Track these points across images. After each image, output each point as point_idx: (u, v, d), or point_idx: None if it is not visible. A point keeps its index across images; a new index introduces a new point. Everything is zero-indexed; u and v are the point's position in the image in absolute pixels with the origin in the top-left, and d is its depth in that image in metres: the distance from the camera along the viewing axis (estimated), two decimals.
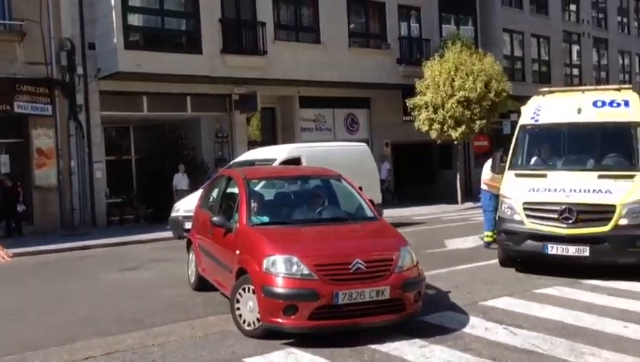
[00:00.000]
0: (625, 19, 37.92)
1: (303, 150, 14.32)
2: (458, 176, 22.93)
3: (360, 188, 7.82)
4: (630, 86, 10.88)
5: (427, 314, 6.44)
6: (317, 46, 21.42)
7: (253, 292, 5.79)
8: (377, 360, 5.23)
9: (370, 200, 7.66)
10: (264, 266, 5.69)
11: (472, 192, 25.00)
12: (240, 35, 19.75)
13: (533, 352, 5.38)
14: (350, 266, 5.63)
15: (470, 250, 11.69)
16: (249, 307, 5.85)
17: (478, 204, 20.48)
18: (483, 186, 11.77)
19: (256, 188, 7.34)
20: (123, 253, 13.57)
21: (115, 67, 17.11)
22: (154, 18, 18.36)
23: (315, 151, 14.35)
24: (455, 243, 12.62)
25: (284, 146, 15.54)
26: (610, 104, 9.72)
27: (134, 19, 17.94)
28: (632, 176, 8.73)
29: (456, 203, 22.15)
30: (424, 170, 25.70)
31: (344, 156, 14.34)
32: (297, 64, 20.40)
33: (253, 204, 6.76)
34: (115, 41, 16.91)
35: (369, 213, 7.06)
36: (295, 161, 13.36)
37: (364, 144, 16.88)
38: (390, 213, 17.35)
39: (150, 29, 18.52)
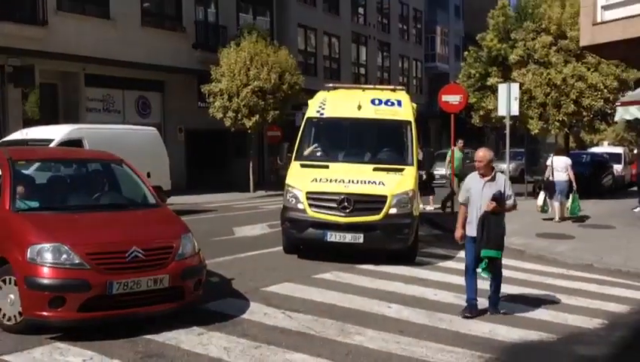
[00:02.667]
0: (405, 27, 41.59)
1: (86, 132, 13.33)
2: (251, 165, 23.25)
3: (148, 173, 7.53)
4: (403, 88, 11.88)
5: (208, 301, 6.41)
6: (106, 21, 20.10)
7: (15, 284, 5.26)
8: (152, 349, 5.08)
9: (159, 187, 7.41)
10: (28, 255, 5.19)
11: (265, 181, 25.56)
12: (16, 1, 17.80)
13: (306, 334, 5.64)
14: (126, 254, 5.37)
15: (257, 238, 11.91)
16: (9, 300, 5.31)
17: (271, 193, 21.24)
18: None
19: (25, 171, 6.66)
20: None
21: None
22: None
23: (99, 134, 13.46)
24: (243, 231, 12.75)
25: (64, 126, 14.20)
26: (386, 103, 10.55)
27: None
28: (401, 170, 9.58)
29: (249, 191, 22.45)
30: (218, 158, 25.58)
31: (132, 140, 13.67)
32: (83, 39, 18.97)
33: (18, 188, 6.11)
34: None
35: (151, 200, 6.80)
36: (76, 143, 12.35)
37: (155, 129, 16.22)
38: (181, 200, 17.04)
39: None
